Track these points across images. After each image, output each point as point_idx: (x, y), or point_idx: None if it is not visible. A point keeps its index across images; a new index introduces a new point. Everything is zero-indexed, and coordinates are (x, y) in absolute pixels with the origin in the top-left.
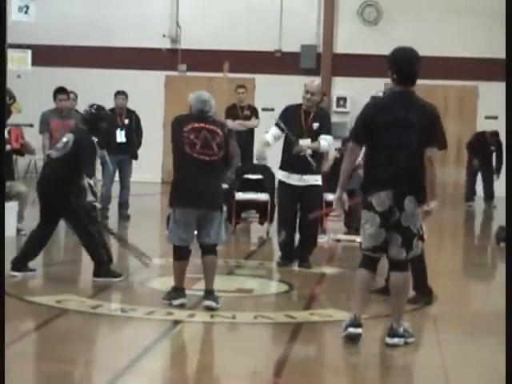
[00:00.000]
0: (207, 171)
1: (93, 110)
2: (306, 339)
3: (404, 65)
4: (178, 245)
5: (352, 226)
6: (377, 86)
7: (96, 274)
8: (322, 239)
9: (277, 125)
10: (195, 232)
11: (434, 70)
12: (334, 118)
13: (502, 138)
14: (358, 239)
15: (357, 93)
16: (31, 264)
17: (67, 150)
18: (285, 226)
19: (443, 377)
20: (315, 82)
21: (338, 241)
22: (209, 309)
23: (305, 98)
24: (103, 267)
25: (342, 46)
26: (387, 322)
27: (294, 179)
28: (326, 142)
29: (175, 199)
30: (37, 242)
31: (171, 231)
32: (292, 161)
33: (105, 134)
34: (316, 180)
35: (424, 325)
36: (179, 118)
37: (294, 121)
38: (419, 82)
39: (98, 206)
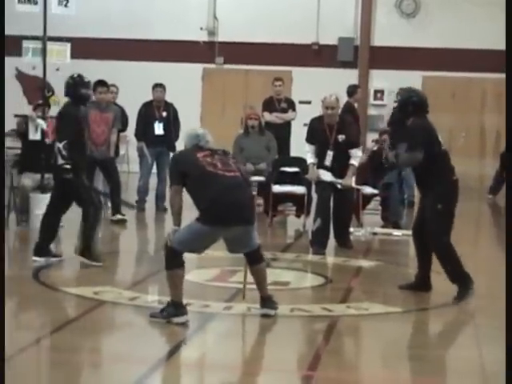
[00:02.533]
0: (238, 185)
1: (69, 80)
2: (342, 332)
3: None
4: (180, 251)
5: (389, 220)
6: (414, 79)
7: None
8: (358, 232)
9: (308, 140)
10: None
11: (472, 62)
12: (371, 111)
13: None
14: (395, 232)
15: (394, 85)
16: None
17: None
18: (321, 214)
19: (481, 372)
20: (332, 96)
21: (375, 234)
22: (266, 316)
23: (325, 114)
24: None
25: (380, 38)
26: (419, 315)
27: (325, 175)
28: (355, 161)
29: (210, 218)
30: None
31: (186, 241)
32: (327, 169)
33: (85, 99)
34: None
35: (462, 320)
36: (182, 152)
37: (319, 135)
38: (458, 74)
39: (68, 167)
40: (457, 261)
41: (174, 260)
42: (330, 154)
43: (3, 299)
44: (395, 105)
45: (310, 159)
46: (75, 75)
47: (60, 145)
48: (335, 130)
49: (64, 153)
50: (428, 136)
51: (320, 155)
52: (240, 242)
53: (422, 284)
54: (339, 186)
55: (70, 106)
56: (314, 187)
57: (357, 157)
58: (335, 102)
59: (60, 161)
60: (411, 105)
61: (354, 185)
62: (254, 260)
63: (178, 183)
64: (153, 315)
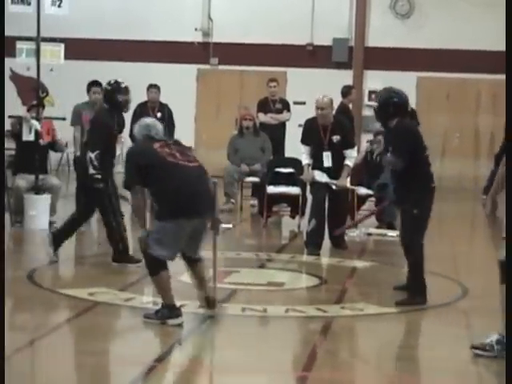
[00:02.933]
0: (199, 176)
1: (106, 86)
2: (337, 333)
3: None
4: (158, 255)
5: (383, 220)
6: (409, 80)
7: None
8: (353, 233)
9: (303, 142)
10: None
11: (467, 63)
12: (366, 112)
13: None
14: (390, 233)
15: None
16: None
17: None
18: (316, 214)
19: (474, 372)
20: (325, 98)
21: (370, 235)
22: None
23: (318, 115)
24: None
25: (374, 39)
26: (413, 316)
27: (319, 176)
28: (350, 161)
29: (173, 211)
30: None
31: (161, 245)
32: (322, 170)
33: (122, 106)
34: None
35: (456, 320)
36: (138, 145)
37: (313, 136)
38: (452, 75)
39: (99, 177)
40: (422, 269)
41: (155, 264)
42: (327, 155)
43: (3, 299)
44: (375, 110)
45: (305, 160)
46: (112, 81)
47: (92, 155)
48: (329, 131)
49: (95, 163)
50: (413, 140)
51: (315, 156)
52: (195, 239)
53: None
54: (334, 187)
55: (104, 113)
56: (308, 188)
57: (352, 157)
58: (327, 103)
59: (91, 170)
60: (392, 105)
61: (348, 185)
62: (196, 259)
63: (139, 181)
64: (147, 316)
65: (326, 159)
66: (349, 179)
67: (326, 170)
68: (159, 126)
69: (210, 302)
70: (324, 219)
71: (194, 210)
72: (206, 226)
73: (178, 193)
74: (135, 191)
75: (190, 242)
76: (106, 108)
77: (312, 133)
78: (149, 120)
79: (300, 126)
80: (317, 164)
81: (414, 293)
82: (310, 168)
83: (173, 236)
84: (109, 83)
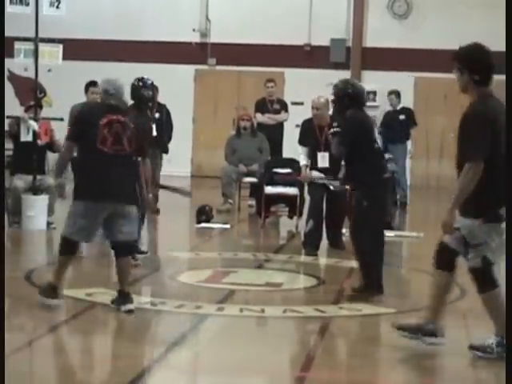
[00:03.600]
0: (117, 165)
1: (134, 81)
2: (335, 333)
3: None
4: (71, 238)
5: None
6: (406, 80)
7: None
8: None
9: (300, 142)
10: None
11: None
12: None
13: None
14: (387, 233)
15: (386, 87)
16: None
17: None
18: (314, 215)
19: (472, 373)
20: (320, 98)
21: None
22: (129, 312)
23: (313, 115)
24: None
25: (372, 39)
26: (411, 316)
27: (322, 177)
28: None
29: (82, 192)
30: None
31: (70, 224)
32: (317, 170)
33: (147, 101)
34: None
35: (454, 321)
36: (91, 107)
37: (310, 136)
38: (450, 76)
39: None
40: (375, 261)
41: (63, 247)
42: (322, 156)
43: (3, 299)
44: (332, 97)
45: (303, 161)
46: (138, 78)
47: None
48: (326, 132)
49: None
50: (362, 132)
51: (312, 157)
52: (116, 224)
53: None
54: (332, 188)
55: (135, 117)
56: (306, 188)
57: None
58: (322, 103)
59: None
60: (347, 96)
61: (346, 186)
62: (120, 252)
63: (74, 140)
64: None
65: (321, 160)
66: None
67: (322, 171)
68: (119, 83)
69: (121, 296)
70: (322, 220)
71: (100, 194)
72: (129, 213)
73: (89, 175)
74: (67, 146)
75: (108, 226)
76: (133, 104)
77: (309, 133)
78: (114, 78)
79: (297, 126)
80: (314, 165)
81: (366, 288)
82: (308, 169)
83: (81, 217)
84: (135, 79)
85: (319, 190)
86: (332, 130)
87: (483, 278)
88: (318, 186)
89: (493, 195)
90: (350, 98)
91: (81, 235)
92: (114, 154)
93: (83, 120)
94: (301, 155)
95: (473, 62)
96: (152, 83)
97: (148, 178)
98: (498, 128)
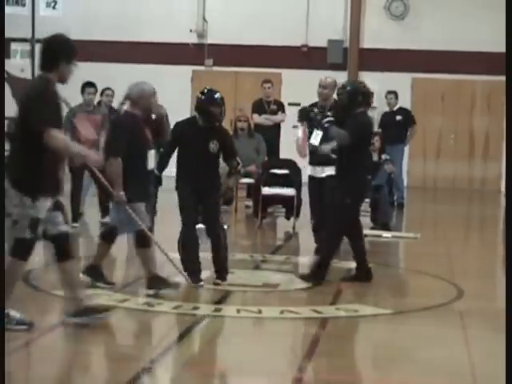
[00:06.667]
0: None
1: (200, 96)
2: (332, 334)
3: None
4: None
5: (378, 221)
6: (403, 81)
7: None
8: None
9: (300, 119)
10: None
11: (462, 64)
12: None
13: None
14: (385, 234)
15: (383, 87)
16: None
17: None
18: (315, 215)
19: (469, 373)
20: (328, 78)
21: (365, 236)
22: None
23: (318, 94)
24: None
25: (369, 40)
26: (408, 317)
27: (318, 172)
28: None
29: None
30: None
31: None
32: (315, 155)
33: (216, 120)
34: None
35: (451, 321)
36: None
37: (309, 115)
38: (447, 76)
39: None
40: (331, 251)
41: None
42: (317, 134)
43: (3, 299)
44: (341, 96)
45: (298, 135)
46: (204, 91)
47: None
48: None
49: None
50: (367, 132)
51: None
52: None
53: (362, 274)
54: (320, 151)
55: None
56: (303, 189)
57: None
58: (329, 83)
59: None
60: (361, 95)
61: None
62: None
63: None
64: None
65: (314, 137)
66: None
67: (311, 148)
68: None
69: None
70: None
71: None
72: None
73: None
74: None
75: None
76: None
77: (309, 112)
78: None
79: (294, 127)
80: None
81: (315, 272)
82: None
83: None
84: (202, 92)
85: (316, 191)
86: (327, 119)
87: None
88: (315, 184)
89: None
90: (363, 96)
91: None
92: None
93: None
94: (298, 131)
95: None
96: (221, 98)
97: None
98: None
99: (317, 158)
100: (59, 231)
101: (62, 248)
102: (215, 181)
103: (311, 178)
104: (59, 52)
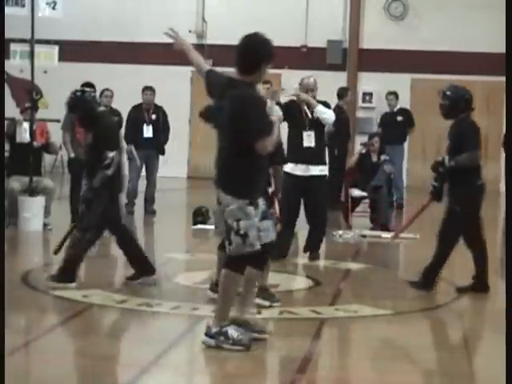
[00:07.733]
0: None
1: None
2: (331, 335)
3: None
4: None
5: (378, 222)
6: (403, 81)
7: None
8: (347, 235)
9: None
10: None
11: (461, 65)
12: (360, 114)
13: None
14: (384, 235)
15: (382, 88)
16: None
17: None
18: (284, 218)
19: (469, 372)
20: (311, 78)
21: (364, 236)
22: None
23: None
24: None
25: (369, 41)
26: (408, 317)
27: (300, 170)
28: (322, 108)
29: None
30: None
31: None
32: (299, 152)
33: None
34: (321, 170)
35: (451, 321)
36: None
37: (296, 112)
38: (446, 77)
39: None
40: (444, 258)
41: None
42: (308, 135)
43: (3, 300)
44: (445, 102)
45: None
46: (79, 91)
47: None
48: (311, 110)
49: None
50: (479, 136)
51: (295, 137)
52: None
53: (479, 284)
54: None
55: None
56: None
57: (324, 109)
58: (314, 84)
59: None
60: (464, 102)
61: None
62: None
63: None
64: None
65: (307, 139)
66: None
67: (307, 150)
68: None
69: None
70: (294, 223)
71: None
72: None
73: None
74: None
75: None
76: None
77: (296, 110)
78: None
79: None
80: (297, 145)
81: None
82: (286, 151)
83: None
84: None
85: (292, 190)
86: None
87: None
88: (292, 183)
89: None
90: (466, 103)
91: None
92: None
93: None
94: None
95: None
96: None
97: None
98: None
99: (301, 155)
100: (271, 239)
101: (266, 257)
102: None
103: (290, 176)
104: (263, 52)
